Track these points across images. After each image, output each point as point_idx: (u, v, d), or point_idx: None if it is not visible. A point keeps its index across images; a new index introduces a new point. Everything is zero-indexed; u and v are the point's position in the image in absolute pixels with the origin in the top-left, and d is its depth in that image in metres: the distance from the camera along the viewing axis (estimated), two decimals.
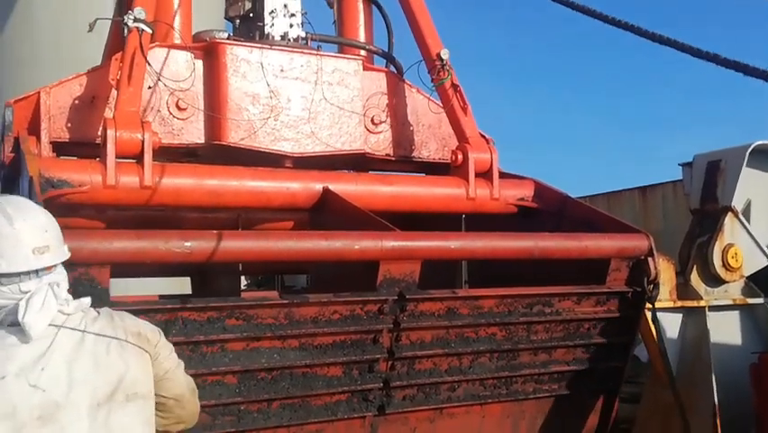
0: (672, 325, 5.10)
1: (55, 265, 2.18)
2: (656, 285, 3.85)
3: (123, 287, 4.17)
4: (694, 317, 5.11)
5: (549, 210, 4.44)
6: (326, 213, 3.93)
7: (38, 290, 2.10)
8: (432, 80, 4.52)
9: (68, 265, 2.56)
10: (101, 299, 2.63)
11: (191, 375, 2.99)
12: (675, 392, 4.32)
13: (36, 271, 2.13)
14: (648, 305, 3.92)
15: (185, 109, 4.06)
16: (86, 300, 2.24)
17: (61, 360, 2.06)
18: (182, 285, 5.76)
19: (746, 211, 5.37)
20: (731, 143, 5.37)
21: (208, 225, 4.17)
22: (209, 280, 5.36)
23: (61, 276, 2.21)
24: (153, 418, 2.24)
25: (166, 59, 4.03)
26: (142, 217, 4.24)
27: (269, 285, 10.25)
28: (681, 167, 5.66)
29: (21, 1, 8.26)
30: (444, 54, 4.46)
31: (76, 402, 2.03)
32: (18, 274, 2.10)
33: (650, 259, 3.88)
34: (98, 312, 2.22)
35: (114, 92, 3.87)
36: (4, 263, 2.08)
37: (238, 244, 3.03)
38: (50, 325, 2.08)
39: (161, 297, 4.05)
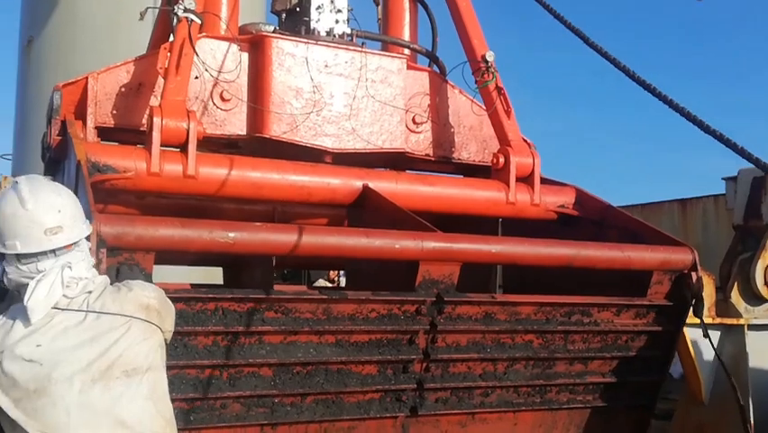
0: (708, 341, 4.99)
1: (74, 243, 2.23)
2: (701, 300, 3.76)
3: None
4: (732, 335, 5.00)
5: (590, 218, 4.37)
6: (365, 210, 3.91)
7: (50, 272, 2.16)
8: (476, 82, 4.48)
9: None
10: None
11: (228, 365, 3.02)
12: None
13: (53, 251, 2.19)
14: (696, 320, 3.82)
15: (228, 100, 4.07)
16: (100, 279, 2.28)
17: (60, 336, 2.11)
18: (207, 275, 5.80)
19: None
20: None
21: (244, 217, 4.17)
22: (242, 271, 5.38)
23: (79, 255, 2.25)
24: (161, 389, 2.26)
25: (213, 50, 4.04)
26: (178, 206, 4.25)
27: (294, 280, 10.30)
28: (724, 181, 5.54)
29: None
30: (490, 56, 4.41)
31: (68, 376, 2.08)
32: (34, 254, 2.17)
33: (693, 273, 3.80)
34: (104, 287, 2.25)
35: (159, 80, 3.90)
36: (19, 244, 2.16)
37: (280, 238, 3.02)
38: (53, 308, 2.14)
39: (196, 285, 4.06)
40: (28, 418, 2.05)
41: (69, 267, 2.18)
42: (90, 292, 2.20)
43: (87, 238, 2.32)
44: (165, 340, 2.32)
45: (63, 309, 2.14)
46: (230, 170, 3.68)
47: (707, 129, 2.25)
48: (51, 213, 2.19)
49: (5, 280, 2.21)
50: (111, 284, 2.28)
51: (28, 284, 2.14)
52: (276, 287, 5.03)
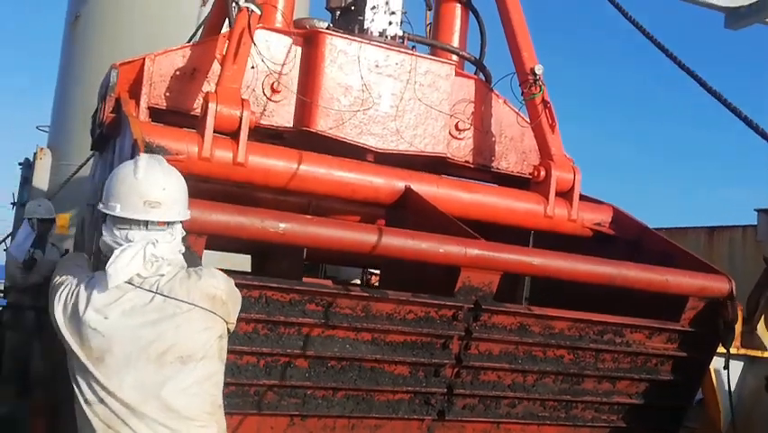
0: (732, 372, 4.98)
1: (169, 224, 2.31)
2: (732, 330, 3.76)
3: None
4: (756, 367, 4.99)
5: (625, 238, 4.37)
6: (406, 211, 3.93)
7: (135, 243, 2.26)
8: (522, 93, 4.49)
9: None
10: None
11: (266, 354, 3.05)
12: None
13: (146, 224, 2.28)
14: (721, 349, 3.82)
15: (279, 92, 4.11)
16: (177, 261, 2.34)
17: (126, 313, 2.21)
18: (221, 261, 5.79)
19: None
20: None
21: (279, 207, 4.19)
22: (271, 260, 5.42)
23: (168, 236, 2.33)
24: (214, 378, 2.32)
25: (267, 41, 4.08)
26: (216, 191, 4.27)
27: (310, 273, 10.32)
28: (756, 212, 5.51)
29: None
30: (539, 69, 4.42)
31: (126, 353, 2.18)
32: (129, 221, 2.28)
33: (729, 302, 3.79)
34: (176, 273, 2.31)
35: (214, 67, 3.94)
36: (118, 207, 2.29)
37: (328, 232, 3.05)
38: (127, 283, 2.24)
39: (236, 272, 4.09)
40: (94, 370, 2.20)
41: (154, 244, 2.26)
42: (162, 275, 2.27)
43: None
44: (228, 330, 2.36)
45: (136, 287, 2.22)
46: (278, 160, 3.72)
47: None
48: (156, 188, 2.32)
49: (99, 243, 2.33)
50: (183, 269, 2.32)
51: (114, 251, 2.24)
52: (305, 280, 5.08)
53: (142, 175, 2.31)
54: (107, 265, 2.22)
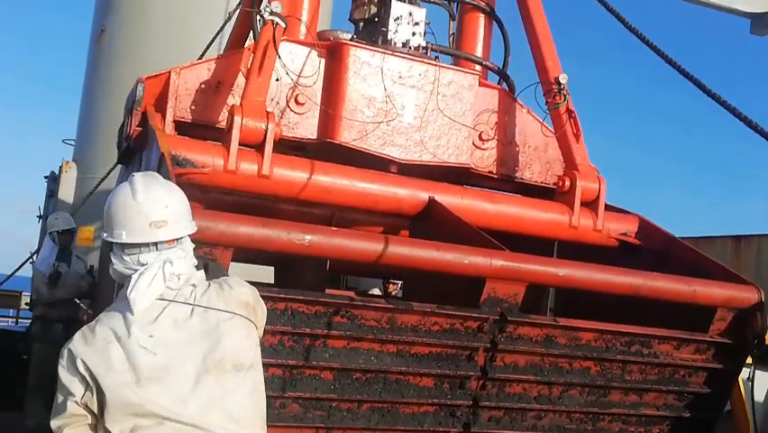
0: (761, 383, 4.90)
1: (178, 240, 2.29)
2: (762, 340, 3.70)
3: None
4: None
5: (651, 249, 4.33)
6: (430, 223, 3.93)
7: (151, 266, 2.22)
8: (546, 103, 4.48)
9: (194, 243, 2.64)
10: None
11: (291, 366, 3.05)
12: None
13: (155, 244, 2.25)
14: (749, 360, 3.76)
15: (303, 104, 4.13)
16: (198, 274, 2.33)
17: (171, 328, 2.18)
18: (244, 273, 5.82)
19: None
20: None
21: (302, 219, 4.21)
22: (294, 272, 5.43)
23: (180, 252, 2.30)
24: (260, 387, 2.31)
25: (292, 53, 4.11)
26: (240, 203, 4.31)
27: (332, 284, 10.34)
28: None
29: None
30: (563, 79, 4.40)
31: (184, 367, 2.15)
32: (138, 246, 2.24)
33: (758, 312, 3.74)
34: (209, 284, 2.30)
35: (239, 80, 3.98)
36: (124, 234, 2.24)
37: (354, 244, 3.06)
38: (159, 299, 2.20)
39: (263, 284, 4.11)
40: (136, 401, 2.10)
41: (171, 262, 2.24)
42: (195, 286, 2.25)
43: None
44: (258, 337, 2.37)
45: (171, 301, 2.20)
46: (302, 172, 3.74)
47: None
48: (159, 207, 2.26)
49: (111, 272, 2.29)
50: (208, 281, 2.32)
51: (131, 276, 2.20)
52: (327, 291, 5.09)
53: (143, 197, 2.26)
54: (128, 291, 2.18)
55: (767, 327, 3.74)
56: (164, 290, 2.21)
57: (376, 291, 7.22)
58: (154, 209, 2.25)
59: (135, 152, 4.03)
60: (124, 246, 2.24)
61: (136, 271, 2.21)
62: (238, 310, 2.25)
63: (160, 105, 3.92)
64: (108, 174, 6.83)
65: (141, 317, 2.17)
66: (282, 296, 3.01)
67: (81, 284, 6.80)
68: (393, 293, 7.02)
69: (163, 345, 2.14)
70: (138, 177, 2.35)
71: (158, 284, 2.19)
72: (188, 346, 2.16)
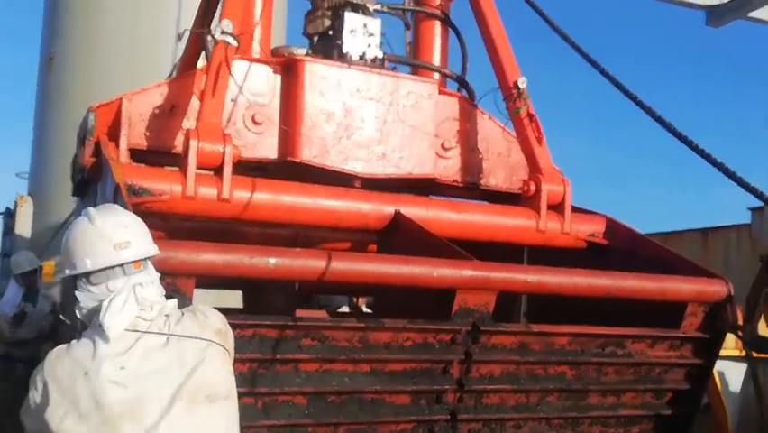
0: (736, 374, 4.94)
1: (143, 262, 2.23)
2: (741, 328, 3.71)
3: None
4: (760, 369, 4.92)
5: (619, 248, 4.33)
6: (398, 236, 3.88)
7: (121, 290, 2.15)
8: (507, 108, 4.46)
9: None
10: None
11: (263, 393, 2.97)
12: None
13: (122, 268, 2.18)
14: (724, 352, 3.77)
15: (260, 123, 4.06)
16: (171, 303, 2.28)
17: (144, 359, 2.10)
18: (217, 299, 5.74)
19: None
20: None
21: (267, 241, 4.14)
22: (263, 296, 5.33)
23: (149, 277, 2.24)
24: (236, 418, 2.26)
25: (246, 72, 4.04)
26: (202, 229, 4.20)
27: (305, 305, 10.21)
28: (750, 211, 5.49)
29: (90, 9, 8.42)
30: (522, 83, 4.39)
31: (156, 399, 2.07)
32: (104, 270, 2.16)
33: (728, 305, 3.75)
34: (182, 312, 2.25)
35: (193, 102, 3.89)
36: (89, 262, 2.16)
37: (320, 264, 2.98)
38: (133, 330, 2.12)
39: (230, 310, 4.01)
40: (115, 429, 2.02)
41: (141, 285, 2.17)
42: (168, 316, 2.19)
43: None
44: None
45: (144, 332, 2.12)
46: (263, 193, 3.66)
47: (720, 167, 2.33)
48: (119, 228, 2.21)
49: (78, 313, 2.19)
50: (181, 309, 2.26)
51: (101, 304, 2.13)
52: (298, 312, 5.00)
53: (101, 221, 2.20)
54: (101, 317, 2.09)
55: (737, 318, 3.75)
56: (137, 321, 2.13)
57: (345, 309, 7.13)
58: (115, 231, 2.19)
59: (90, 183, 3.92)
60: (90, 276, 2.15)
61: (105, 299, 2.13)
62: (214, 338, 2.20)
63: (113, 133, 3.81)
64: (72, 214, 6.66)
65: (112, 348, 2.08)
66: (249, 322, 2.93)
67: (43, 324, 6.66)
68: (362, 306, 6.94)
69: (135, 377, 2.07)
70: (91, 209, 2.29)
71: (131, 308, 2.12)
72: (162, 376, 2.10)
